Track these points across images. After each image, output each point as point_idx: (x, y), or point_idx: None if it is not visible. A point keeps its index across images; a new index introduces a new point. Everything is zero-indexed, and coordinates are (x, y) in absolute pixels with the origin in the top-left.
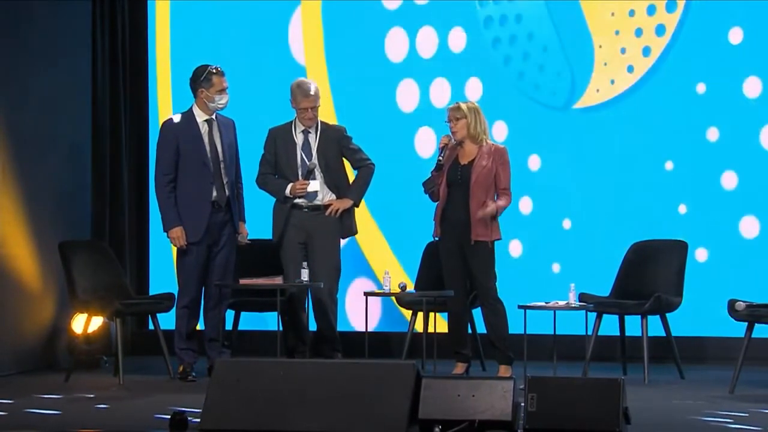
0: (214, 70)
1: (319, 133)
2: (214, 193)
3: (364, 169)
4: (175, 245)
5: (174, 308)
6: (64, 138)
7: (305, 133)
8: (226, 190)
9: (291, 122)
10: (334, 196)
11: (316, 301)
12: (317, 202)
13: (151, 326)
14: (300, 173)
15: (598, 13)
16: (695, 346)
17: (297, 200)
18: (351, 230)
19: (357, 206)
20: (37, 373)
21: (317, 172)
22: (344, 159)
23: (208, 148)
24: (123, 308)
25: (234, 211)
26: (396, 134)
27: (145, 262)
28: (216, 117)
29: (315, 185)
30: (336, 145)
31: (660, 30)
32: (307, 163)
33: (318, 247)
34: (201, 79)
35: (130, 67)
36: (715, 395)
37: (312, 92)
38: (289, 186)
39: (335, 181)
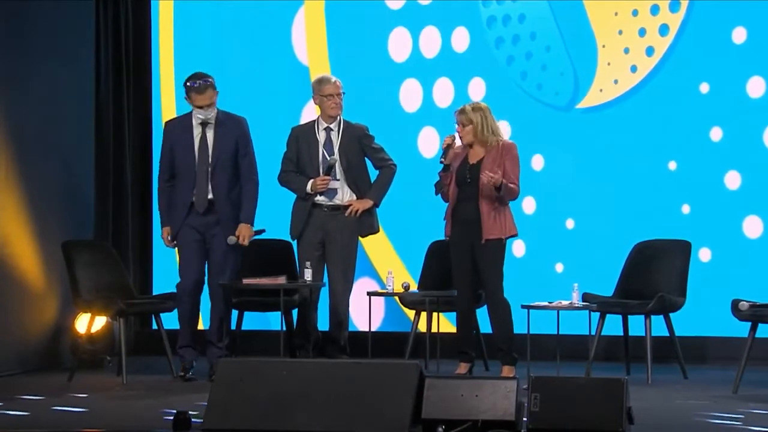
0: (192, 85)
1: (341, 131)
2: (194, 197)
3: (386, 169)
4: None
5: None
6: (67, 138)
7: (328, 131)
8: (211, 193)
9: (313, 121)
10: (354, 196)
11: (330, 300)
12: (337, 201)
13: (154, 326)
14: (321, 170)
15: (602, 13)
16: (698, 346)
17: (318, 199)
18: (372, 228)
19: (377, 206)
20: (40, 372)
21: (338, 169)
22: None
23: (196, 151)
24: (126, 308)
25: (222, 212)
26: (399, 134)
27: (149, 262)
28: (218, 117)
29: (334, 183)
30: (358, 143)
31: (663, 30)
32: (328, 158)
33: (335, 247)
34: (185, 89)
35: (133, 67)
36: (719, 395)
37: (334, 79)
38: (310, 182)
39: (356, 180)
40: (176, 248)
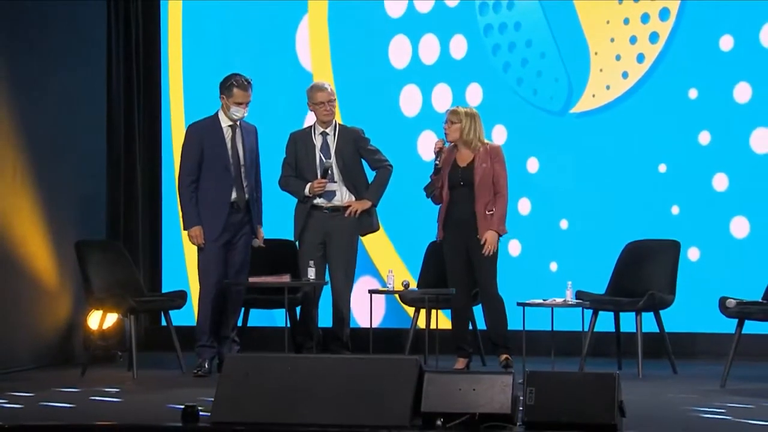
0: (235, 82)
1: (337, 134)
2: (234, 195)
3: (382, 170)
4: (193, 243)
5: (186, 305)
6: (79, 140)
7: (324, 135)
8: (246, 193)
9: (310, 126)
10: (353, 197)
11: (332, 298)
12: (336, 202)
13: (163, 322)
14: (318, 173)
15: (594, 21)
16: (688, 342)
17: (317, 201)
18: (371, 227)
19: (375, 206)
20: (54, 367)
21: (335, 171)
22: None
23: (230, 152)
24: (137, 305)
25: (253, 213)
26: (399, 138)
27: (158, 261)
28: (239, 122)
29: (332, 186)
30: (353, 145)
31: (653, 37)
32: (324, 162)
33: (336, 247)
34: (225, 87)
35: (143, 69)
36: (707, 389)
37: (326, 86)
38: (308, 186)
39: (353, 182)
40: (199, 246)
